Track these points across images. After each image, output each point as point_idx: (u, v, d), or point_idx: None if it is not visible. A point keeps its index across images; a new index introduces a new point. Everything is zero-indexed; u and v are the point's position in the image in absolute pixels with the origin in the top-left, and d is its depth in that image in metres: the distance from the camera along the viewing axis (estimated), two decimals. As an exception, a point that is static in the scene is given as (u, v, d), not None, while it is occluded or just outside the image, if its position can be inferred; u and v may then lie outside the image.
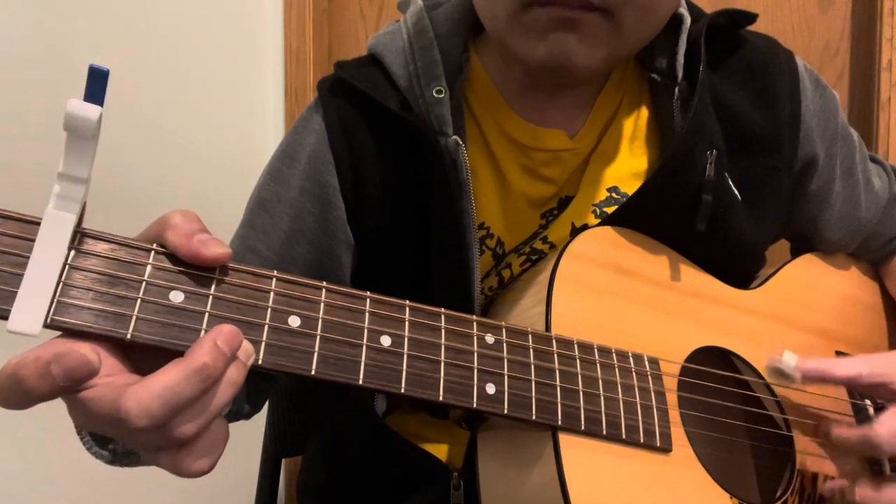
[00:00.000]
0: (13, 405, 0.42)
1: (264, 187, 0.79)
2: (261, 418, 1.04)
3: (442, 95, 0.73)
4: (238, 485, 1.27)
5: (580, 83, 0.77)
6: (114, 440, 0.59)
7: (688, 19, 0.77)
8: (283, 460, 1.11)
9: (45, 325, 0.43)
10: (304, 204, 0.77)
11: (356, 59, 0.82)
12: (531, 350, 0.61)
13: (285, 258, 0.76)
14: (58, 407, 0.46)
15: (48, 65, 1.05)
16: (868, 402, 0.83)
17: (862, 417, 0.81)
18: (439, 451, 0.81)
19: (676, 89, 0.76)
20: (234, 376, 0.46)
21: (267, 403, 1.05)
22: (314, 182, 0.77)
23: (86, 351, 0.41)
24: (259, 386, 0.79)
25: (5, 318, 0.42)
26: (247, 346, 0.48)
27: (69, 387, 0.42)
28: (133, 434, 0.43)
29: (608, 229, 0.73)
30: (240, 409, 0.77)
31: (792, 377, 0.72)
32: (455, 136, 0.72)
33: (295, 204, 0.77)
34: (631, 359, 0.67)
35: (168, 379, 0.42)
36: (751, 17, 0.80)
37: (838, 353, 0.84)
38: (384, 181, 0.76)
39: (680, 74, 0.76)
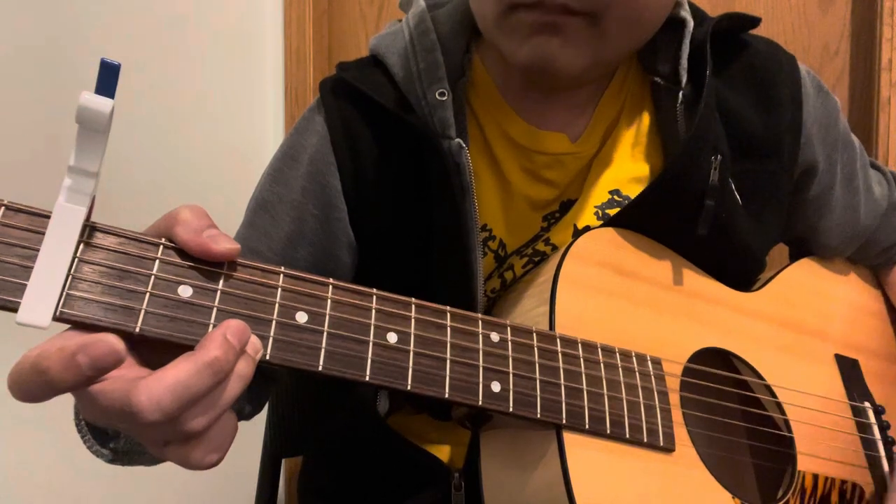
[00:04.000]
0: (33, 397, 0.41)
1: (265, 188, 0.79)
2: (261, 418, 1.04)
3: (445, 98, 0.73)
4: (238, 485, 1.26)
5: (567, 85, 0.77)
6: (115, 439, 0.59)
7: (690, 23, 0.77)
8: (283, 460, 1.11)
9: (54, 318, 0.43)
10: (305, 205, 0.77)
11: (358, 59, 0.82)
12: (535, 349, 0.61)
13: (287, 259, 0.76)
14: (57, 407, 0.45)
15: (49, 64, 1.05)
16: (867, 403, 0.83)
17: (861, 419, 0.81)
18: (441, 451, 0.81)
19: (680, 94, 0.76)
20: (244, 370, 0.46)
21: (267, 403, 1.05)
22: (316, 183, 0.76)
23: (112, 340, 0.41)
24: (260, 386, 0.79)
25: (15, 310, 0.42)
26: (255, 340, 0.48)
27: (94, 376, 0.41)
28: (144, 428, 0.43)
29: (610, 231, 0.73)
30: (241, 408, 0.77)
31: None
32: (458, 139, 0.71)
33: (296, 205, 0.77)
34: (634, 359, 0.67)
35: (179, 373, 0.42)
36: (754, 22, 0.80)
37: (837, 357, 0.85)
38: (386, 183, 0.76)
39: (684, 79, 0.76)
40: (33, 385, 0.41)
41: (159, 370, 0.43)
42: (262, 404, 0.84)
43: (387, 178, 0.76)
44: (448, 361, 0.56)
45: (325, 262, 0.77)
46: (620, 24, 0.67)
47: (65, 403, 0.47)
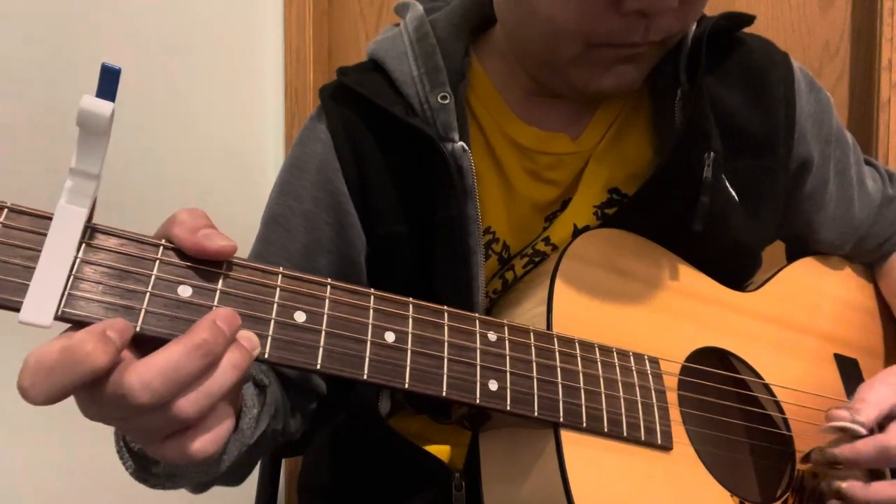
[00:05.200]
0: (55, 394, 0.41)
1: (276, 202, 0.79)
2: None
3: (447, 101, 0.73)
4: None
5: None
6: (157, 463, 0.58)
7: (693, 23, 0.78)
8: (283, 460, 1.11)
9: (56, 318, 0.43)
10: (319, 215, 0.77)
11: (357, 64, 0.82)
12: (533, 347, 0.62)
13: (308, 271, 0.76)
14: (56, 407, 0.45)
15: (51, 65, 1.05)
16: None
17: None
18: (441, 452, 0.81)
19: (679, 91, 0.76)
20: (238, 360, 0.46)
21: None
22: (326, 192, 0.77)
23: (120, 317, 0.43)
24: (300, 401, 0.78)
25: (17, 309, 0.42)
26: (252, 336, 0.48)
27: (120, 351, 0.43)
28: (137, 414, 0.43)
29: (608, 231, 0.74)
30: (285, 426, 0.75)
31: (858, 431, 0.70)
32: (461, 142, 0.72)
33: (310, 216, 0.77)
34: (631, 357, 0.67)
35: (169, 355, 0.43)
36: (749, 20, 0.81)
37: (836, 356, 0.85)
38: (390, 187, 0.76)
39: (683, 77, 0.77)
40: (59, 377, 0.41)
41: (149, 355, 0.43)
42: (307, 423, 0.81)
43: (390, 182, 0.76)
44: (446, 360, 0.56)
45: (346, 269, 0.77)
46: (674, 40, 0.72)
47: (64, 405, 0.48)
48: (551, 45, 0.69)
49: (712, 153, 0.74)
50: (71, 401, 0.46)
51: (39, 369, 0.41)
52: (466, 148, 0.72)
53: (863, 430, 0.70)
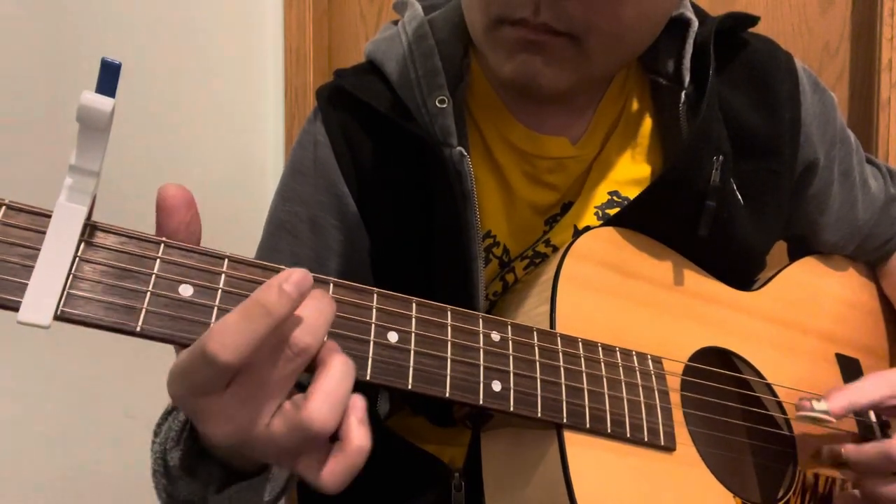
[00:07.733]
0: (243, 345, 0.43)
1: (281, 209, 0.78)
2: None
3: (445, 105, 0.72)
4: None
5: (552, 100, 0.77)
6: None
7: (695, 23, 0.77)
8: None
9: (55, 318, 0.43)
10: (326, 219, 0.76)
11: (354, 66, 0.81)
12: (536, 348, 0.61)
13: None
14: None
15: (50, 64, 1.05)
16: None
17: (862, 419, 0.81)
18: (441, 451, 0.80)
19: (683, 94, 0.76)
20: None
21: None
22: (330, 194, 0.76)
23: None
24: None
25: (16, 309, 0.42)
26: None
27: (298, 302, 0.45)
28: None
29: (611, 230, 0.73)
30: None
31: (826, 421, 0.71)
32: (459, 148, 0.71)
33: (317, 220, 0.76)
34: (635, 358, 0.67)
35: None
36: (753, 20, 0.80)
37: (838, 356, 0.85)
38: (387, 190, 0.75)
39: (687, 79, 0.76)
40: (258, 323, 0.43)
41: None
42: None
43: (387, 186, 0.75)
44: (449, 360, 0.56)
45: (356, 271, 0.77)
46: (604, 45, 0.68)
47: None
48: (471, 17, 0.71)
49: (721, 156, 0.74)
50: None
51: (225, 330, 0.43)
52: (465, 153, 0.71)
53: (829, 418, 0.71)
